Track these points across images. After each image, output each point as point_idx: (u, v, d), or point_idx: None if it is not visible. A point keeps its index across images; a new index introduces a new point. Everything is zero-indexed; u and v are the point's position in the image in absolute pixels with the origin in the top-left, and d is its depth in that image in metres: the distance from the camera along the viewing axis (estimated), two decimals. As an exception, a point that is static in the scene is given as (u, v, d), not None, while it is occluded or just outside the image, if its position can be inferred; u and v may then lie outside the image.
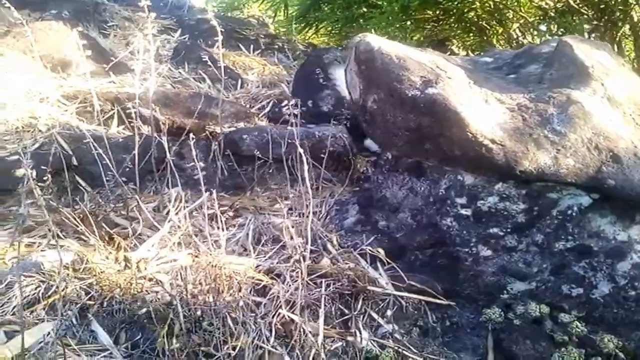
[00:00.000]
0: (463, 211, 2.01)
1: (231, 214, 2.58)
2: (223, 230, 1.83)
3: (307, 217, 1.94)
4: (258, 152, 2.84)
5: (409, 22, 4.36)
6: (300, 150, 1.90)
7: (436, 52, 2.45)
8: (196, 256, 1.93)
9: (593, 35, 4.35)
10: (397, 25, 4.32)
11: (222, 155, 2.97)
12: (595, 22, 4.28)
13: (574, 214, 1.95)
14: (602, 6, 4.10)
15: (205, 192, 1.89)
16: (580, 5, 4.25)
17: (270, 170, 3.05)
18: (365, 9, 4.62)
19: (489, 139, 1.90)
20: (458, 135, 1.92)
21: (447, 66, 2.22)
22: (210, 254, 1.80)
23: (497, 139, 1.90)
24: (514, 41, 4.61)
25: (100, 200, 2.42)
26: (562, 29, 4.48)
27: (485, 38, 4.87)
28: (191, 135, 2.02)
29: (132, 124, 2.91)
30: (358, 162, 2.83)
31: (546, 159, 1.89)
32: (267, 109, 3.61)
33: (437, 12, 4.51)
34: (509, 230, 1.98)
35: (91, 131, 2.73)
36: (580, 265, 1.96)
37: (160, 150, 2.36)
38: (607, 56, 2.28)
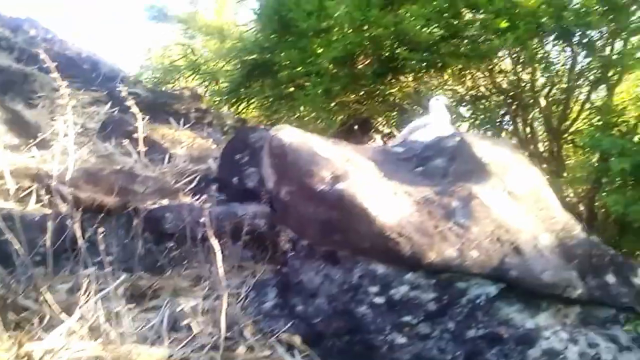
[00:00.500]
0: (376, 299, 2.06)
1: (149, 295, 2.52)
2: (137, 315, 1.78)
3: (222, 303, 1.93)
4: (179, 231, 2.82)
5: (332, 104, 4.60)
6: (210, 232, 1.91)
7: (350, 145, 2.59)
8: (106, 346, 1.85)
9: (507, 117, 4.73)
10: (321, 106, 4.54)
11: (142, 233, 2.93)
12: (506, 108, 4.66)
13: (482, 302, 2.05)
14: (511, 93, 4.47)
15: (123, 272, 1.85)
16: (493, 92, 4.63)
17: (193, 250, 3.02)
18: (293, 88, 4.84)
19: (396, 232, 1.99)
20: (366, 229, 2.02)
21: (357, 159, 2.35)
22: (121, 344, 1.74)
23: (404, 232, 2.00)
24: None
25: (10, 283, 2.29)
26: (477, 112, 4.84)
27: (407, 116, 5.18)
28: (110, 213, 1.99)
29: (50, 202, 2.83)
30: (280, 242, 2.84)
31: (451, 251, 2.01)
32: (194, 185, 3.61)
33: (361, 94, 4.78)
34: (421, 318, 2.04)
35: (5, 209, 2.63)
36: (493, 352, 2.02)
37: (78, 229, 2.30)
38: (508, 152, 2.49)
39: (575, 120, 4.36)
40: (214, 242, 2.02)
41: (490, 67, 4.27)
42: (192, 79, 5.33)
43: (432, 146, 2.68)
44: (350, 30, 4.04)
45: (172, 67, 5.11)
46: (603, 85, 4.10)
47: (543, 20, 3.61)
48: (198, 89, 5.73)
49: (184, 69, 5.12)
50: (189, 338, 2.12)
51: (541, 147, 4.64)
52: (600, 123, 4.06)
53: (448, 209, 2.14)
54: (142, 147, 2.85)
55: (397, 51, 3.91)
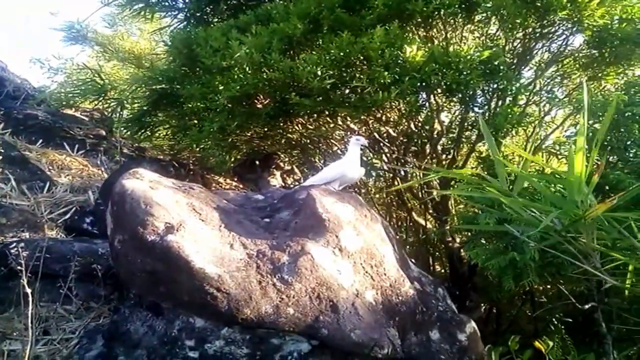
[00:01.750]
0: (191, 353, 2.07)
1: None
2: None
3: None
4: (33, 267, 2.75)
5: (228, 140, 4.63)
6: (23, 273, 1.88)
7: (205, 192, 2.61)
8: None
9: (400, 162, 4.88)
10: (216, 143, 4.56)
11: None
12: (395, 154, 4.81)
13: (294, 359, 2.09)
14: (404, 139, 4.64)
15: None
16: (386, 140, 4.79)
17: (47, 286, 2.94)
18: (196, 122, 4.86)
19: (214, 287, 2.02)
20: (187, 281, 2.03)
21: (204, 208, 2.38)
22: None
23: (223, 287, 2.03)
24: (331, 160, 5.07)
25: None
26: (373, 157, 4.99)
27: (306, 155, 5.29)
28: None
29: None
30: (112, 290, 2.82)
31: (268, 307, 2.05)
32: (68, 216, 3.54)
33: (264, 130, 4.84)
34: (233, 375, 2.06)
35: None
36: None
37: None
38: (351, 209, 2.58)
39: (461, 169, 4.56)
40: (24, 284, 1.99)
41: (378, 116, 4.42)
42: (97, 104, 5.25)
43: (285, 198, 2.75)
44: (250, 71, 4.11)
45: (77, 90, 5.02)
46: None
47: (428, 76, 3.79)
48: (103, 114, 5.64)
49: (88, 93, 5.03)
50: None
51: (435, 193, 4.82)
52: (485, 173, 4.28)
53: (277, 264, 2.19)
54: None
55: (287, 96, 4.00)
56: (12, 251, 2.84)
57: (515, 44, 4.29)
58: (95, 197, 3.74)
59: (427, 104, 4.31)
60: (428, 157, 4.70)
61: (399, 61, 3.86)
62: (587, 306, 3.23)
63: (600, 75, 4.20)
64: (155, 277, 2.10)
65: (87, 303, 2.81)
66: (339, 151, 5.10)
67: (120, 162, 4.73)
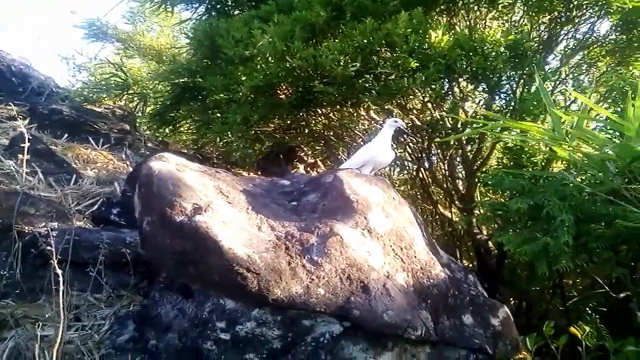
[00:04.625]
0: (222, 335, 2.05)
1: (10, 324, 2.46)
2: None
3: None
4: (63, 256, 2.76)
5: (251, 132, 4.61)
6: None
7: (231, 176, 2.60)
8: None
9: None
10: (239, 135, 4.54)
11: (23, 257, 2.86)
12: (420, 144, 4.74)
13: (326, 341, 2.05)
14: (429, 129, 4.57)
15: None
16: (409, 130, 4.72)
17: (77, 275, 2.96)
18: (219, 115, 4.85)
19: (244, 267, 1.99)
20: (217, 262, 2.01)
21: (231, 191, 2.36)
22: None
23: (253, 267, 2.00)
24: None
25: None
26: (396, 148, 4.93)
27: (330, 148, 5.25)
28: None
29: None
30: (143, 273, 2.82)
31: (298, 287, 2.01)
32: (95, 208, 3.56)
33: (288, 123, 4.82)
34: (264, 356, 2.03)
35: None
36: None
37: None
38: (380, 191, 2.54)
39: (487, 159, 4.48)
40: (58, 271, 1.99)
41: (402, 104, 4.36)
42: (121, 99, 5.29)
43: (312, 181, 2.72)
44: (272, 60, 4.09)
45: (100, 86, 5.06)
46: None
47: (453, 62, 3.72)
48: (127, 110, 5.68)
49: (113, 89, 5.07)
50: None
51: (460, 185, 4.76)
52: (511, 163, 4.20)
53: (305, 245, 2.16)
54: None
55: (311, 84, 3.97)
56: (42, 240, 2.85)
57: (540, 29, 4.19)
58: (121, 189, 3.75)
59: (450, 92, 4.24)
60: (453, 148, 4.63)
61: (424, 47, 3.81)
62: (621, 295, 3.13)
63: (628, 60, 4.07)
64: (185, 257, 2.08)
65: (117, 291, 2.81)
66: (362, 142, 5.07)
67: (145, 155, 4.75)
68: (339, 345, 2.07)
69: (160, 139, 5.52)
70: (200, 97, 5.25)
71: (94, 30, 6.21)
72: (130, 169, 4.44)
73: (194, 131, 5.39)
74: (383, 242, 2.32)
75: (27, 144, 2.67)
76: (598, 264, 3.24)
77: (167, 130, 5.17)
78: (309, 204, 2.47)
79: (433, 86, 3.88)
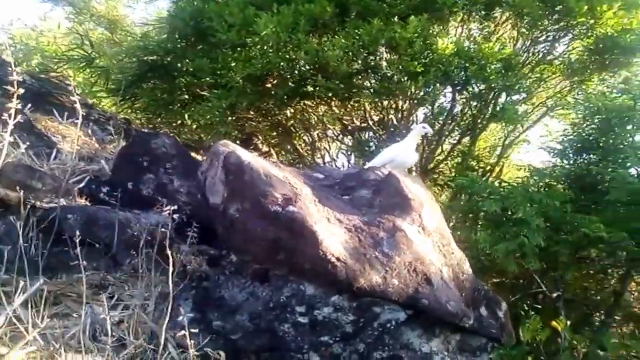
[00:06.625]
0: (301, 319, 2.14)
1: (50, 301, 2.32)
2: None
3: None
4: (80, 234, 2.62)
5: (233, 118, 4.61)
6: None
7: (288, 168, 2.67)
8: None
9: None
10: (221, 120, 4.51)
11: (39, 234, 2.68)
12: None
13: (391, 327, 2.23)
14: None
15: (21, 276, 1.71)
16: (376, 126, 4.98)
17: (91, 254, 2.81)
18: (187, 96, 4.76)
19: (335, 256, 2.11)
20: (311, 250, 2.12)
21: (297, 183, 2.44)
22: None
23: (342, 257, 2.13)
24: (312, 144, 5.21)
25: None
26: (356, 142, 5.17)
27: (288, 138, 5.36)
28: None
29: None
30: (181, 256, 2.77)
31: (377, 278, 2.17)
32: (83, 185, 3.37)
33: (254, 111, 4.86)
34: (337, 338, 2.16)
35: None
36: (393, 373, 2.20)
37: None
38: (422, 189, 2.75)
39: (442, 161, 4.87)
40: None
41: (391, 104, 4.60)
42: (81, 72, 4.92)
43: (352, 176, 2.85)
44: (272, 50, 4.10)
45: (63, 56, 4.66)
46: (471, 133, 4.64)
47: (451, 68, 3.98)
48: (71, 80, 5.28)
49: (78, 60, 4.70)
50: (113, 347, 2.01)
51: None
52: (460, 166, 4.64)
53: (376, 238, 2.31)
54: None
55: (315, 78, 4.05)
56: (60, 216, 2.69)
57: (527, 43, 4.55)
58: (110, 167, 3.58)
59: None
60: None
61: (427, 52, 4.01)
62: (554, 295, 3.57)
63: (584, 80, 4.54)
64: (277, 244, 2.17)
65: (135, 271, 2.73)
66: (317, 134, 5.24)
67: (116, 133, 4.50)
68: (400, 331, 2.25)
69: (120, 116, 5.20)
70: (167, 77, 5.09)
71: (44, -7, 5.71)
72: (97, 146, 4.24)
73: (153, 110, 5.17)
74: (432, 238, 2.53)
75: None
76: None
77: (125, 107, 4.91)
78: (364, 199, 2.61)
79: (432, 88, 4.13)
